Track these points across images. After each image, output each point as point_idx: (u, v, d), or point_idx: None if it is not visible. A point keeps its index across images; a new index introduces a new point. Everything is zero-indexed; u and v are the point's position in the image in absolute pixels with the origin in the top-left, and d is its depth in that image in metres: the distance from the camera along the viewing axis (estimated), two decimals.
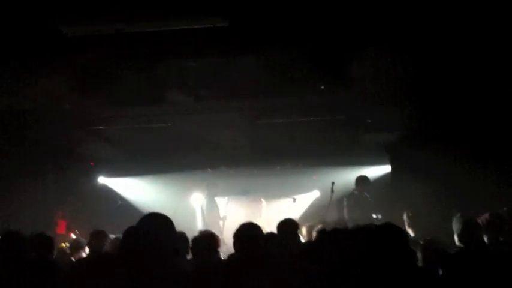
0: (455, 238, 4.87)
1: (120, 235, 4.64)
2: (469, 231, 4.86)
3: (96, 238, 6.22)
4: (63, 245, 7.19)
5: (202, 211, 10.72)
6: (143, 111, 8.68)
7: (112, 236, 6.47)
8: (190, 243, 4.68)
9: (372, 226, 3.15)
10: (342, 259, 2.91)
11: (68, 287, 3.75)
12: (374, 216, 8.41)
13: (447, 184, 8.30)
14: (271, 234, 5.25)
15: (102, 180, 11.16)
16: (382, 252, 2.77)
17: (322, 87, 7.55)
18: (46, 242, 5.05)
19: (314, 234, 6.64)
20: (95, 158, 10.74)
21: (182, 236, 4.59)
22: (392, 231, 3.12)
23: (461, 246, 4.76)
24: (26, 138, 8.61)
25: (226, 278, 3.49)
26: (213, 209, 10.62)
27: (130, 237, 3.41)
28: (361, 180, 9.42)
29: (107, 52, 6.55)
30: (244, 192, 11.13)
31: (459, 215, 5.38)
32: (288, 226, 5.34)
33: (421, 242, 4.72)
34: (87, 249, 6.49)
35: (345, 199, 9.41)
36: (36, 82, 7.04)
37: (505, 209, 5.79)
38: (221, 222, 10.19)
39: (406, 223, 6.24)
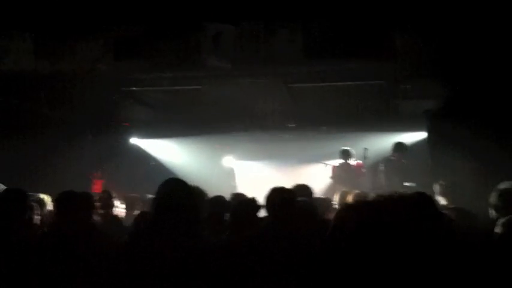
0: (491, 210, 4.78)
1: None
2: (504, 202, 4.76)
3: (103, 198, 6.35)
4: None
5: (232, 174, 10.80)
6: (178, 74, 8.70)
7: (149, 196, 6.62)
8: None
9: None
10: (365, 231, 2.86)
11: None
12: (408, 184, 8.34)
13: (487, 158, 8.12)
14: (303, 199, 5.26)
15: (134, 141, 11.34)
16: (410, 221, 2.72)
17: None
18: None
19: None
20: (129, 119, 10.87)
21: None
22: (421, 199, 3.00)
23: (496, 218, 4.67)
24: (65, 101, 8.76)
25: (261, 244, 3.47)
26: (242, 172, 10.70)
27: (154, 207, 3.32)
28: (400, 146, 9.30)
29: (144, 15, 6.55)
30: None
31: (508, 183, 5.24)
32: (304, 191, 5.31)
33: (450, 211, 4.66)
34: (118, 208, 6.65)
35: (381, 165, 9.32)
36: (76, 45, 7.12)
37: None
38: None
39: (437, 192, 6.14)
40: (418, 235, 2.66)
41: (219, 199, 5.17)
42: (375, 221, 2.95)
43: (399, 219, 2.76)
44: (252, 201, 4.51)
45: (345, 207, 3.18)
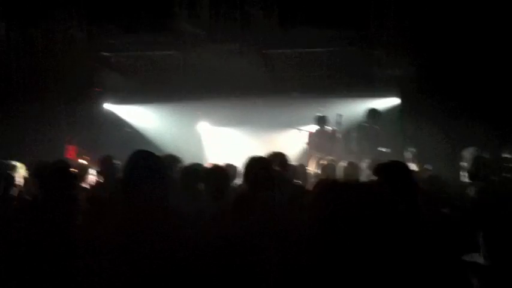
0: (464, 174, 4.90)
1: None
2: (478, 167, 4.88)
3: (105, 164, 6.19)
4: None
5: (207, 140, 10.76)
6: (151, 39, 8.58)
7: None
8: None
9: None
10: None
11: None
12: (383, 149, 8.45)
13: (457, 125, 8.30)
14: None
15: (108, 107, 11.17)
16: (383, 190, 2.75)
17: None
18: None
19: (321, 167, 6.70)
20: (103, 84, 10.68)
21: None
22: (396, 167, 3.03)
23: (469, 182, 4.80)
24: (37, 68, 8.57)
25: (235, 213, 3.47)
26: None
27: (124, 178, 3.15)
28: (373, 112, 9.38)
29: None
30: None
31: (472, 149, 5.38)
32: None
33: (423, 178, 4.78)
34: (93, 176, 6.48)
35: (354, 131, 9.42)
36: (48, 10, 6.93)
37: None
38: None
39: (408, 159, 6.27)
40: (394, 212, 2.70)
41: (193, 166, 5.15)
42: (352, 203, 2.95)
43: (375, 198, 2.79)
44: (225, 170, 4.52)
45: (322, 190, 3.15)
